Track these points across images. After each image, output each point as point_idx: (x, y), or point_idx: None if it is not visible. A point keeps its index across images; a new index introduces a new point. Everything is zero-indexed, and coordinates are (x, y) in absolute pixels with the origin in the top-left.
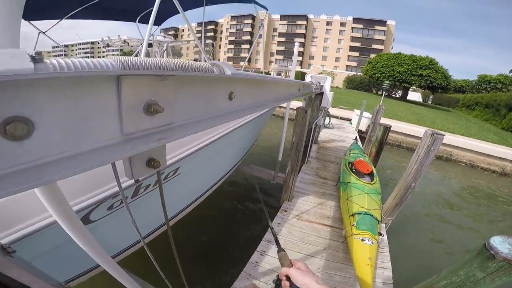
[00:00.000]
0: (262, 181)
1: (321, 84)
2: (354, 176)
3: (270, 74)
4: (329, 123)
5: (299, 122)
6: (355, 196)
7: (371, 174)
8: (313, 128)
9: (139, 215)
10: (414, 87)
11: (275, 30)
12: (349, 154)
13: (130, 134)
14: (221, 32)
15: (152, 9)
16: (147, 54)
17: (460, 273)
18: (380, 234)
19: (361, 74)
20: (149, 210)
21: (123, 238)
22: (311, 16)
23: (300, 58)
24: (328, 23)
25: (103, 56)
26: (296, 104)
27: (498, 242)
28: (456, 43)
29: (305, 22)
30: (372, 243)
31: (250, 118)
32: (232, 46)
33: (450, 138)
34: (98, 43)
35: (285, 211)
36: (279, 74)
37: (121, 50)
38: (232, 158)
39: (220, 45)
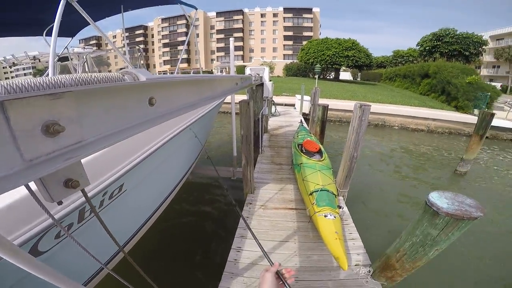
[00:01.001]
0: (222, 179)
1: (260, 75)
2: (304, 157)
3: (212, 73)
4: (275, 111)
5: (244, 114)
6: (309, 175)
7: (319, 152)
8: (260, 118)
9: (94, 239)
10: (344, 68)
11: (212, 27)
12: (297, 136)
13: (33, 159)
14: (153, 36)
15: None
16: (66, 69)
17: (417, 233)
18: (340, 207)
19: (297, 61)
20: (103, 233)
21: (89, 263)
22: (246, 10)
23: (240, 53)
24: (262, 15)
25: (12, 77)
26: (241, 97)
27: (436, 198)
28: (372, 24)
29: (241, 17)
30: (335, 217)
31: (194, 119)
32: (167, 49)
33: (380, 108)
34: (2, 63)
35: (250, 203)
36: (221, 71)
37: (34, 68)
38: (183, 163)
39: (153, 50)
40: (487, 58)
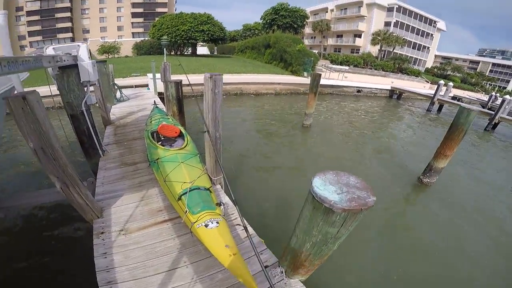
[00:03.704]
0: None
1: (72, 55)
2: (161, 148)
3: None
4: (121, 96)
5: (21, 116)
6: (171, 173)
7: (181, 136)
8: (85, 111)
9: None
10: (200, 43)
11: (20, 9)
12: (151, 122)
13: None
14: None
15: None
16: None
17: (315, 233)
18: (220, 204)
19: (149, 38)
20: None
21: None
22: None
23: (69, 35)
24: None
25: None
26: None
27: (322, 188)
28: (224, 0)
29: None
30: (218, 222)
31: None
32: None
33: (237, 77)
34: None
35: (102, 232)
36: None
37: None
38: None
39: None
40: (307, 30)
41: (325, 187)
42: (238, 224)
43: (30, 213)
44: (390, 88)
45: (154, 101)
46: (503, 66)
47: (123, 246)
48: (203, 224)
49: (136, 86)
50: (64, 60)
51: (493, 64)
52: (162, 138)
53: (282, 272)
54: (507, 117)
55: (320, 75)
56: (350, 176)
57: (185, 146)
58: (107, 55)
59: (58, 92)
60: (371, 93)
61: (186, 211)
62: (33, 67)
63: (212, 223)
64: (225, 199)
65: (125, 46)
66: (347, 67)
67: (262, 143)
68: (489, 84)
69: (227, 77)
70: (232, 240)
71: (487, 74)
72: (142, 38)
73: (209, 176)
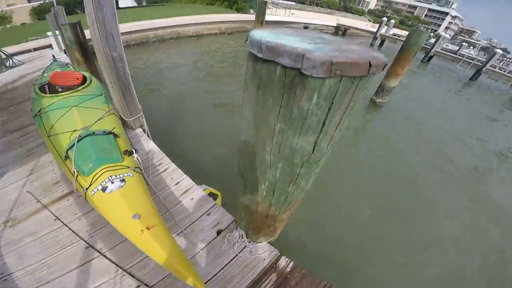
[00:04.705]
0: None
1: None
2: (47, 97)
3: None
4: (11, 62)
5: None
6: (57, 123)
7: (83, 82)
8: None
9: None
10: None
11: None
12: (43, 75)
13: None
14: None
15: None
16: None
17: (267, 161)
18: (129, 152)
19: (49, 1)
20: None
21: None
22: None
23: None
24: None
25: None
26: None
27: (270, 37)
28: None
29: None
30: (124, 180)
31: None
32: None
33: (170, 20)
34: None
35: None
36: None
37: None
38: None
39: None
40: None
41: (279, 37)
42: (170, 179)
43: None
44: (335, 25)
45: (53, 55)
46: (437, 11)
47: (14, 243)
48: (100, 187)
49: (36, 49)
50: None
51: (429, 10)
52: (60, 90)
53: (241, 236)
54: (441, 51)
55: (266, 2)
56: (322, 33)
57: (84, 88)
58: None
59: None
60: (318, 29)
61: (75, 172)
62: None
63: (112, 182)
64: (149, 144)
65: (19, 13)
66: (293, 3)
67: (208, 83)
68: (423, 27)
69: (158, 21)
70: (148, 203)
71: (422, 18)
72: (41, 1)
73: (120, 118)
